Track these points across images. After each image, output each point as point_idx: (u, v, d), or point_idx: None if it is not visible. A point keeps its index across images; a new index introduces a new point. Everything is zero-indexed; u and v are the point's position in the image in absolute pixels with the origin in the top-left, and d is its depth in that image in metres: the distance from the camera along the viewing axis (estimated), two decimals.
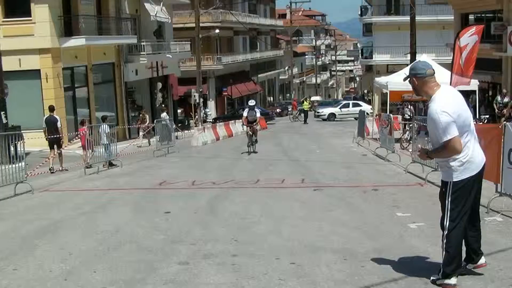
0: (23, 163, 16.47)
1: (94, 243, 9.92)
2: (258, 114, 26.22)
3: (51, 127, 21.81)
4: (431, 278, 7.29)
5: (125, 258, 8.92)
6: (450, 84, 22.46)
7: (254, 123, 26.02)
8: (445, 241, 7.05)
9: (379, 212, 11.85)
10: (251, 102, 26.66)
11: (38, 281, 8.02)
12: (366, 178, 16.92)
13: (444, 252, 7.11)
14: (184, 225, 11.19)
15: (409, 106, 32.40)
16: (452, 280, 7.06)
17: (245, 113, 26.15)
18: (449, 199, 7.00)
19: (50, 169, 20.85)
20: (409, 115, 32.12)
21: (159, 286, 7.63)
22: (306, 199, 13.70)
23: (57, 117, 22.78)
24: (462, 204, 6.96)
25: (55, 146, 21.62)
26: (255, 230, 10.60)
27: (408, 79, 7.24)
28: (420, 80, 7.07)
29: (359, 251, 8.88)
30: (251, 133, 25.83)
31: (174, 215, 12.18)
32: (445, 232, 7.04)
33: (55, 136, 21.57)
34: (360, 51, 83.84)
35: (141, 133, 35.90)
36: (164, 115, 38.19)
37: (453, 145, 6.76)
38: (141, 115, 38.24)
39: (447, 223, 7.02)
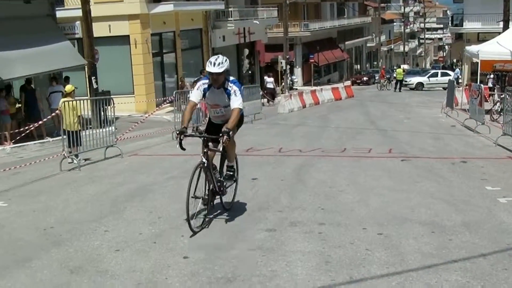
0: (113, 128, 16.84)
1: (182, 208, 10.06)
2: (237, 102, 8.83)
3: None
4: None
5: (213, 223, 9.05)
6: None
7: (224, 135, 8.44)
8: None
9: (467, 185, 11.64)
10: (215, 68, 9.11)
11: (128, 242, 8.24)
12: (454, 150, 16.62)
13: None
14: (271, 192, 11.25)
15: (491, 76, 31.54)
16: None
17: (193, 96, 9.15)
18: None
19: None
20: (492, 84, 31.32)
21: (246, 252, 7.72)
22: (394, 169, 13.55)
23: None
24: None
25: None
26: (342, 199, 10.58)
27: None
28: None
29: (446, 224, 8.76)
30: (205, 161, 8.68)
31: (261, 181, 12.25)
32: None
33: None
34: (450, 19, 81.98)
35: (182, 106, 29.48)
36: (271, 80, 39.38)
37: None
38: (180, 82, 33.23)
39: None
